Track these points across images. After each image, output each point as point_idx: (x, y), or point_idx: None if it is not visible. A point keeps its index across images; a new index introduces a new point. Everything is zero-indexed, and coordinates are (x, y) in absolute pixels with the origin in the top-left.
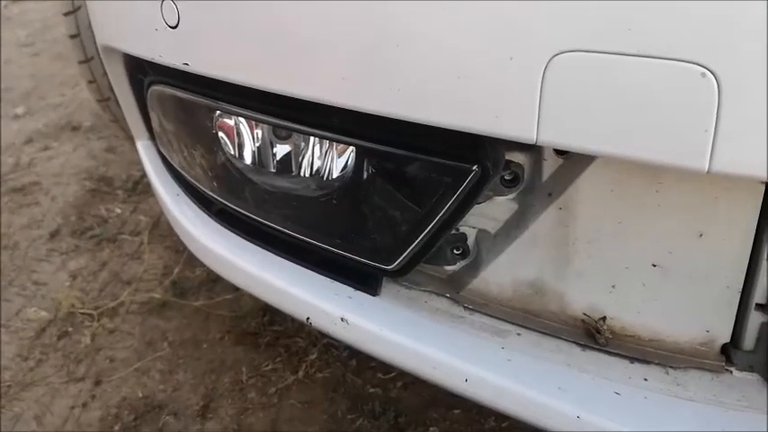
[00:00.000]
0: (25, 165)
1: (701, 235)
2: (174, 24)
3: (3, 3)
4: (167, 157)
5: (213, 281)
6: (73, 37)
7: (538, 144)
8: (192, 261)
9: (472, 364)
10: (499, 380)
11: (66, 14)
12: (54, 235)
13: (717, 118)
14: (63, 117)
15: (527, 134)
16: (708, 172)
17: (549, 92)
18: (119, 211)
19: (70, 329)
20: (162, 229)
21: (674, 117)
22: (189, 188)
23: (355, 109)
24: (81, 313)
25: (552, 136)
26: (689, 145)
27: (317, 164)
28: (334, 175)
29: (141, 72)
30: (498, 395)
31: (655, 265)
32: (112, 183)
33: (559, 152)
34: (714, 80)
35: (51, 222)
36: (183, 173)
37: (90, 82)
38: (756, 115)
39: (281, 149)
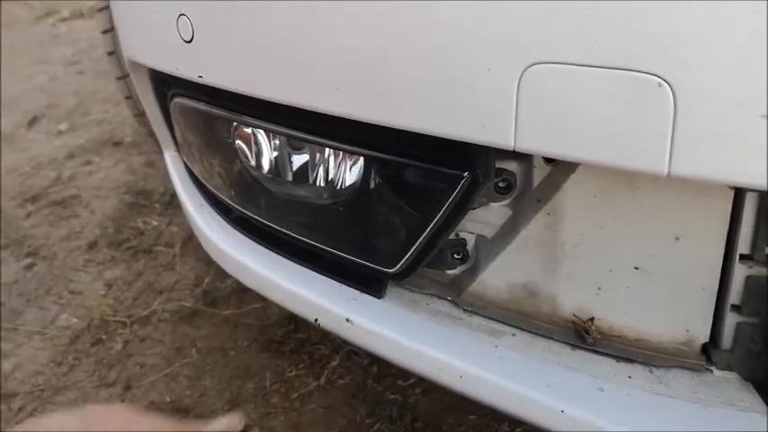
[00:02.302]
0: (66, 179)
1: (677, 238)
2: (188, 39)
3: (51, 21)
4: (190, 167)
5: (242, 291)
6: (110, 54)
7: (516, 150)
8: (222, 271)
9: (467, 363)
10: (491, 377)
11: (103, 32)
12: (92, 246)
13: (673, 124)
14: (105, 133)
15: (506, 141)
16: (668, 175)
17: (524, 101)
18: (155, 223)
19: (103, 336)
20: (196, 241)
21: (635, 124)
22: (210, 197)
23: (350, 117)
24: (114, 321)
25: (528, 143)
26: (650, 150)
27: (327, 173)
28: (345, 184)
29: (165, 85)
30: (489, 391)
31: (637, 268)
32: (150, 196)
33: (547, 160)
34: (669, 89)
35: (89, 234)
36: (204, 182)
37: (127, 97)
38: (709, 121)
39: (294, 159)
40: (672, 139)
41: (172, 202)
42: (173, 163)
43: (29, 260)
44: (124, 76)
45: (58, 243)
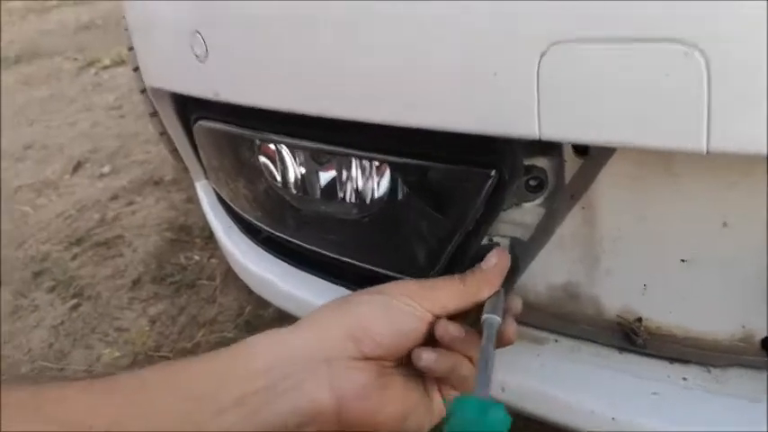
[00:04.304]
0: (110, 220)
1: (724, 224)
2: (203, 57)
3: (93, 71)
4: (218, 191)
5: (283, 318)
6: (143, 92)
7: (541, 139)
8: (263, 301)
9: (508, 374)
10: (535, 385)
11: (134, 70)
12: (135, 283)
13: (708, 96)
14: (146, 173)
15: (530, 131)
16: (707, 152)
17: (545, 85)
18: (197, 257)
19: None
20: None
21: (665, 99)
22: (238, 219)
23: (375, 122)
24: (159, 356)
25: (553, 130)
26: (685, 126)
27: (355, 187)
28: (373, 197)
29: (187, 110)
30: (535, 402)
31: (683, 261)
32: (191, 231)
33: (578, 152)
34: (702, 58)
35: (133, 272)
36: (231, 204)
37: (161, 133)
38: (747, 90)
39: (321, 175)
40: (708, 112)
41: (212, 236)
42: (203, 190)
43: (75, 301)
44: (156, 113)
45: (102, 282)
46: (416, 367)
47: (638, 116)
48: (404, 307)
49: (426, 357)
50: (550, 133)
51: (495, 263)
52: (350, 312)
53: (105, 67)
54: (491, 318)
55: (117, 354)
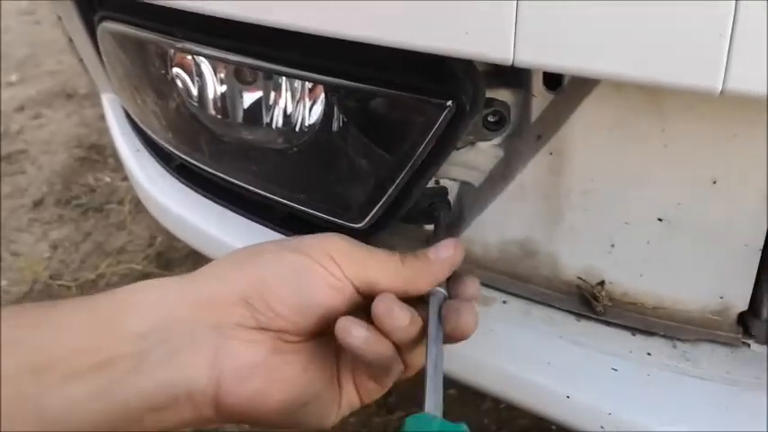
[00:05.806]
0: (14, 133)
1: (714, 182)
2: None
3: None
4: (124, 106)
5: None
6: None
7: (515, 65)
8: None
9: None
10: (477, 354)
11: None
12: (37, 204)
13: (734, 19)
14: (58, 84)
15: (501, 53)
16: (722, 93)
17: None
18: (108, 179)
19: None
20: None
21: (679, 23)
22: (148, 141)
23: (308, 31)
24: (58, 285)
25: (533, 54)
26: (699, 59)
27: (284, 111)
28: (304, 124)
29: (90, 9)
30: (477, 372)
31: (661, 220)
32: (104, 151)
33: (549, 86)
34: None
35: (36, 191)
36: (139, 123)
37: (70, 40)
38: None
39: (245, 96)
40: (731, 40)
41: None
42: (110, 105)
43: None
44: None
45: (1, 201)
46: (340, 341)
47: (642, 43)
48: (320, 271)
49: (357, 334)
50: (527, 58)
51: (447, 256)
52: (250, 270)
53: None
54: (439, 292)
55: (15, 284)
